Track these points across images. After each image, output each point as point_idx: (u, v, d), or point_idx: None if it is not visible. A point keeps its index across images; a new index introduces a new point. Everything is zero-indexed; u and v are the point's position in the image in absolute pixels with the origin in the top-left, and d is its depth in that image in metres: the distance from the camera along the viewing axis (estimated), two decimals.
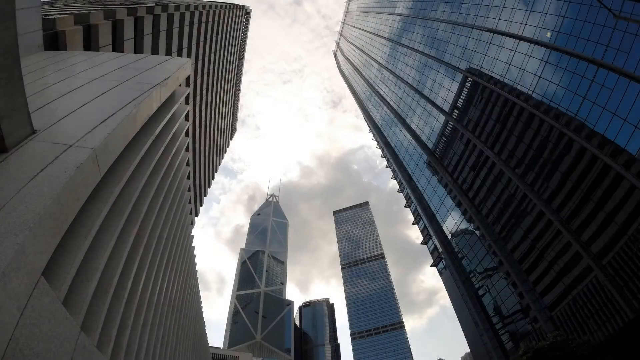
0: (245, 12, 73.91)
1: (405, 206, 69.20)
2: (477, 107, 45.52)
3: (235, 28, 65.75)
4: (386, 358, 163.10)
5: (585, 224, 28.80)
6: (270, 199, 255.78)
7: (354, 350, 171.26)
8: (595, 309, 27.14)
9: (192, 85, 42.83)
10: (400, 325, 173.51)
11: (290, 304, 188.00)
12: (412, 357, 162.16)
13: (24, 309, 5.09)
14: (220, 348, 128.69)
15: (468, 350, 52.61)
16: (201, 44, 44.43)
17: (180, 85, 14.25)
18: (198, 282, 34.89)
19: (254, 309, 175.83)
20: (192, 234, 27.00)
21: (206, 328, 49.17)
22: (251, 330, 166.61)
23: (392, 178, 78.05)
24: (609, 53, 28.05)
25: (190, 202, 23.72)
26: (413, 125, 63.89)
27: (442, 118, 53.75)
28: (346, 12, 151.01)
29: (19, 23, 10.27)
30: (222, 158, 77.15)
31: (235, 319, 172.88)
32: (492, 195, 41.09)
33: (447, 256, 49.82)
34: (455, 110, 50.95)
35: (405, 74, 70.90)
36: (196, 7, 41.18)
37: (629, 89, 26.03)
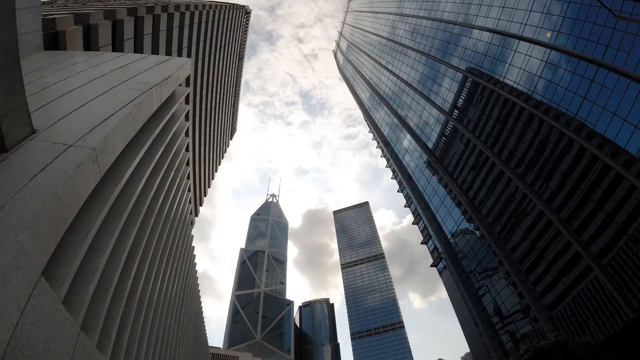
0: (245, 12, 73.92)
1: (405, 206, 69.19)
2: (477, 107, 45.53)
3: (235, 28, 65.77)
4: (386, 358, 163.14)
5: (585, 224, 28.80)
6: (270, 199, 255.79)
7: (354, 350, 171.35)
8: (595, 309, 27.14)
9: (192, 85, 42.84)
10: (400, 325, 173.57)
11: (290, 303, 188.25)
12: (412, 357, 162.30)
13: (24, 309, 5.09)
14: (220, 348, 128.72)
15: (468, 350, 52.61)
16: (201, 44, 44.42)
17: (180, 85, 14.23)
18: (198, 282, 34.90)
19: (254, 309, 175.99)
20: (192, 233, 27.01)
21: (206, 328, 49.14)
22: (251, 330, 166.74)
23: (392, 178, 78.04)
24: (609, 53, 28.04)
25: (190, 202, 23.72)
26: (413, 125, 63.88)
27: (442, 118, 53.74)
28: (346, 12, 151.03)
29: (19, 23, 10.28)
30: (222, 158, 77.21)
31: (235, 318, 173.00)
32: (492, 195, 41.08)
33: (447, 256, 49.82)
34: (455, 110, 50.95)
35: (405, 74, 70.90)
36: (196, 7, 41.19)
37: (629, 89, 26.03)
